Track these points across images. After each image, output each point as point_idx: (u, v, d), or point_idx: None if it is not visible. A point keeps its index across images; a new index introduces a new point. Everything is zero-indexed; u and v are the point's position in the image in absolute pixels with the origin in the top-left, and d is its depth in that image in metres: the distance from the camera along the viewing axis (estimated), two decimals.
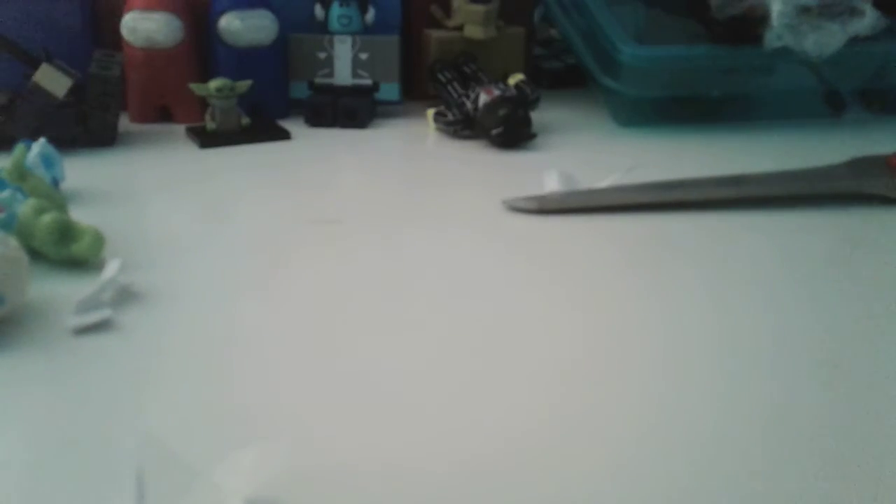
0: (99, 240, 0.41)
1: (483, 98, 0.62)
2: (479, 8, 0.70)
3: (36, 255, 0.40)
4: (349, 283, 0.40)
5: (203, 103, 0.64)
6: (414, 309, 0.38)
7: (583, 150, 0.62)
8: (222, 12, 0.66)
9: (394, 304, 0.38)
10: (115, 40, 0.65)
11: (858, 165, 0.52)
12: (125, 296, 0.38)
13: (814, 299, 0.39)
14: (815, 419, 0.30)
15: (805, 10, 0.61)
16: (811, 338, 0.36)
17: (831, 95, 0.69)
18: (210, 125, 0.63)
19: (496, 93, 0.62)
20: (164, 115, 0.68)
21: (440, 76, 0.68)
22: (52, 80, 0.57)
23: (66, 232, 0.41)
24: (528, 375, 0.32)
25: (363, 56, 0.68)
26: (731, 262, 0.44)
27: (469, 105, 0.63)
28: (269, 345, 0.35)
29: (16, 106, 0.57)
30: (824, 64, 0.64)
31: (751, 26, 0.64)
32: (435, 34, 0.72)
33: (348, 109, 0.67)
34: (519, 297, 0.39)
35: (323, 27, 0.68)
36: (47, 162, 0.49)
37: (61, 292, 0.37)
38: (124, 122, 0.66)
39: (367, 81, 0.69)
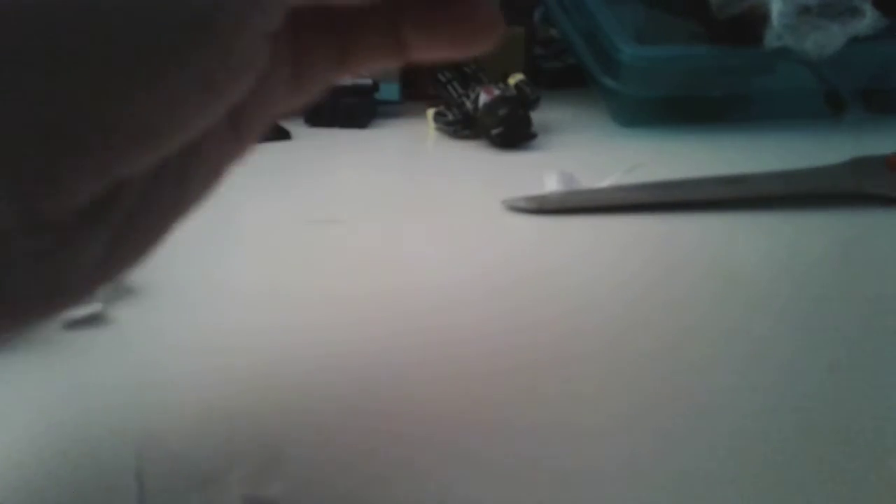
0: None
1: (483, 98, 0.62)
2: None
3: None
4: (348, 283, 0.40)
5: None
6: (413, 309, 0.38)
7: (583, 150, 0.62)
8: None
9: (393, 304, 0.38)
10: None
11: (858, 165, 0.52)
12: (120, 290, 0.38)
13: (814, 299, 0.39)
14: (815, 420, 0.30)
15: (805, 10, 0.61)
16: (810, 338, 0.36)
17: (831, 95, 0.69)
18: None
19: (496, 93, 0.62)
20: None
21: (440, 76, 0.68)
22: None
23: None
24: (528, 375, 0.32)
25: None
26: (732, 262, 0.44)
27: (469, 105, 0.63)
28: (266, 343, 0.35)
29: None
30: (824, 64, 0.64)
31: (751, 26, 0.64)
32: None
33: (348, 109, 0.67)
34: (518, 296, 0.39)
35: None
36: None
37: None
38: None
39: (367, 81, 0.69)
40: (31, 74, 0.16)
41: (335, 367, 0.33)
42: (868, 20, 0.61)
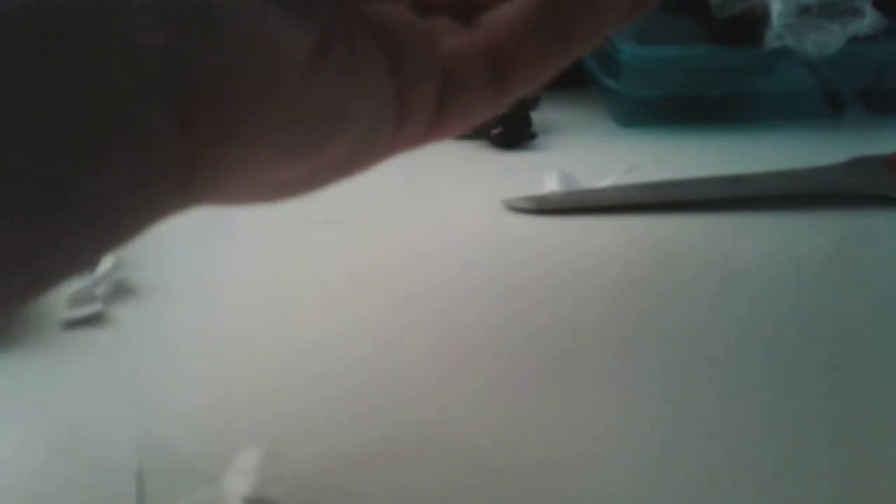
0: None
1: None
2: None
3: None
4: (348, 283, 0.40)
5: None
6: (413, 309, 0.38)
7: (583, 150, 0.62)
8: None
9: (393, 304, 0.38)
10: None
11: (858, 165, 0.52)
12: (120, 291, 0.38)
13: (813, 299, 0.39)
14: (815, 420, 0.30)
15: (805, 10, 0.61)
16: (810, 338, 0.36)
17: (831, 95, 0.69)
18: None
19: None
20: None
21: None
22: None
23: None
24: (529, 375, 0.32)
25: None
26: (731, 262, 0.44)
27: None
28: (265, 343, 0.35)
29: None
30: (824, 64, 0.64)
31: (751, 26, 0.63)
32: None
33: None
34: (518, 296, 0.39)
35: None
36: None
37: (60, 292, 0.37)
38: None
39: None
40: None
41: (335, 366, 0.33)
42: (868, 20, 0.61)
